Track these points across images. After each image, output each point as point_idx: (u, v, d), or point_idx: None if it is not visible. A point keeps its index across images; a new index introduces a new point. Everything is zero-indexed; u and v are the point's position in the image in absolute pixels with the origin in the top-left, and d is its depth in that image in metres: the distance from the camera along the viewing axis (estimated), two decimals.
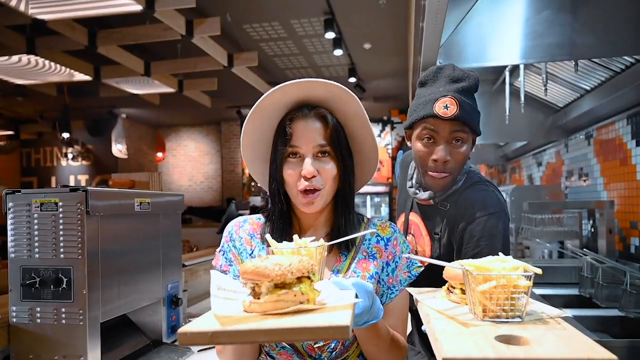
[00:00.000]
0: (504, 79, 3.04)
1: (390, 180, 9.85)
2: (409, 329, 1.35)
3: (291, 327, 0.64)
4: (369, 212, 9.68)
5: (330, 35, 5.38)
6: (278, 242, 0.89)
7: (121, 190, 1.57)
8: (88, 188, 1.38)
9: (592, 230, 3.14)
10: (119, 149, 7.83)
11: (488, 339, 0.66)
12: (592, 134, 3.23)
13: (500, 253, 1.13)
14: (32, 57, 4.90)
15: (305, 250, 0.80)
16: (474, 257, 1.13)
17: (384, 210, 9.78)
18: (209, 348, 1.68)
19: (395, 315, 1.07)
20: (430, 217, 1.36)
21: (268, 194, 1.09)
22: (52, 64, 5.16)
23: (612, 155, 2.93)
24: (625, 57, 2.35)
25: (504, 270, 0.73)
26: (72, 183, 10.69)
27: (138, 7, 3.76)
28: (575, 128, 3.40)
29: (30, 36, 4.78)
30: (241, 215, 3.92)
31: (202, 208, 10.54)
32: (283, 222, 1.06)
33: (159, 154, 9.13)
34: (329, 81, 0.99)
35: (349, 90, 1.00)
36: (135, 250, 1.63)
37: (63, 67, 5.29)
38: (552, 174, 4.11)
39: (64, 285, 1.36)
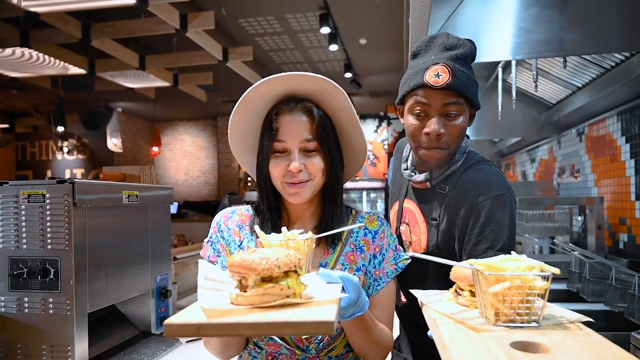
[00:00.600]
0: (497, 75, 3.05)
1: (386, 176, 9.86)
2: (396, 332, 1.28)
3: (276, 321, 0.64)
4: (365, 208, 9.69)
5: (326, 30, 5.37)
6: (267, 234, 0.90)
7: (109, 183, 1.58)
8: (75, 180, 1.38)
9: (583, 226, 3.16)
10: (114, 143, 7.82)
11: (502, 345, 0.60)
12: (583, 130, 3.25)
13: (505, 241, 1.08)
14: (26, 50, 4.88)
15: (293, 243, 0.81)
16: (477, 244, 1.09)
17: (380, 205, 9.79)
18: (197, 339, 1.69)
19: (382, 307, 1.08)
20: (427, 201, 1.25)
21: (256, 185, 1.10)
22: (46, 57, 5.14)
23: (603, 151, 2.95)
24: (616, 55, 2.37)
25: (518, 269, 0.67)
26: (67, 176, 10.65)
27: (131, 0, 3.75)
28: (567, 124, 3.42)
29: (23, 29, 4.76)
30: None
31: (199, 202, 10.55)
32: (271, 214, 1.07)
33: (155, 149, 9.11)
34: (316, 75, 0.99)
35: (336, 84, 1.00)
36: (123, 242, 1.64)
37: (57, 60, 5.26)
38: (545, 170, 4.14)
39: (52, 276, 1.37)
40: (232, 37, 5.90)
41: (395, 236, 1.15)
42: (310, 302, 0.72)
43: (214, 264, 1.08)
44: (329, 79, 1.00)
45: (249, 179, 11.16)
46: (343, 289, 0.81)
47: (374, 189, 9.82)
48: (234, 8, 5.21)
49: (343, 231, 1.06)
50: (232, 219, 1.13)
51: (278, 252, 0.73)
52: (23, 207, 1.40)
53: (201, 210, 9.72)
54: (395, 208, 1.38)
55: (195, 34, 4.83)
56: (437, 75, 1.10)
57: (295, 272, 0.73)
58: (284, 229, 0.86)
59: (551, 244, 3.23)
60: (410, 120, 1.18)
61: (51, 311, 1.38)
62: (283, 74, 1.00)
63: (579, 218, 3.25)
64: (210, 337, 1.00)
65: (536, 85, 2.72)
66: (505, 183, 1.17)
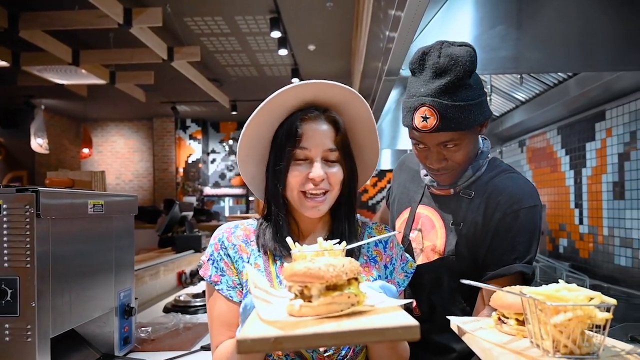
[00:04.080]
0: None
1: None
2: None
3: (359, 329, 0.61)
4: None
5: (276, 34, 5.32)
6: (279, 247, 0.84)
7: (74, 191, 1.43)
8: (39, 188, 1.23)
9: None
10: (39, 144, 7.16)
11: None
12: (525, 142, 3.48)
13: (533, 254, 1.08)
14: None
15: (328, 254, 0.77)
16: (506, 254, 1.09)
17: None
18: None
19: None
20: (450, 207, 1.23)
21: (265, 197, 1.04)
22: None
23: (544, 162, 3.18)
24: (559, 73, 2.57)
25: (577, 299, 0.65)
26: None
27: None
28: (510, 136, 3.65)
29: None
30: (185, 217, 3.71)
31: None
32: (282, 227, 1.01)
33: (85, 150, 8.48)
34: (343, 85, 0.97)
35: (360, 95, 0.99)
36: (87, 256, 1.49)
37: None
38: None
39: (9, 298, 1.21)
40: (176, 36, 5.66)
41: (401, 245, 1.14)
42: (375, 309, 0.69)
43: (217, 284, 1.01)
44: (354, 90, 0.99)
45: (187, 183, 10.76)
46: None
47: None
48: (180, 5, 5.00)
49: (371, 242, 1.04)
50: (236, 234, 1.06)
51: (339, 259, 0.69)
52: None
53: (135, 216, 9.18)
54: (404, 216, 1.36)
55: (139, 31, 4.56)
56: (424, 118, 1.07)
57: (356, 279, 0.70)
58: (319, 239, 0.82)
59: None
60: (414, 148, 1.19)
61: (8, 338, 1.21)
62: (312, 81, 0.96)
63: None
64: (288, 350, 0.92)
65: (490, 99, 2.87)
66: (537, 194, 1.16)
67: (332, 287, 0.67)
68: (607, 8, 1.85)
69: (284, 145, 0.98)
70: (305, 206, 0.98)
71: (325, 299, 0.66)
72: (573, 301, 0.65)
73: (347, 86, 0.98)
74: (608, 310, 0.64)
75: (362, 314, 0.67)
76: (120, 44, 5.58)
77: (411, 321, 0.62)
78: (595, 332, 0.66)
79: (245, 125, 0.99)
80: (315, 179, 0.95)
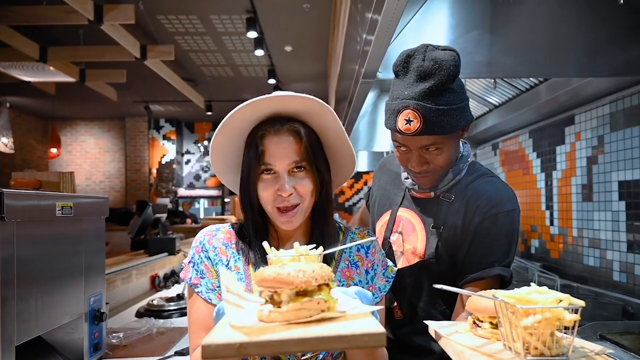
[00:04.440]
0: None
1: None
2: None
3: (325, 335, 0.60)
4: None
5: (253, 34, 5.28)
6: (257, 251, 0.83)
7: (42, 193, 1.37)
8: (3, 190, 1.18)
9: None
10: (3, 143, 6.89)
11: None
12: (498, 145, 3.56)
13: (511, 257, 1.10)
14: None
15: (304, 259, 0.76)
16: (484, 257, 1.10)
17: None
18: None
19: None
20: (430, 210, 1.24)
21: (241, 206, 1.02)
22: None
23: (516, 165, 3.26)
24: (531, 78, 2.64)
25: (546, 302, 0.67)
26: None
27: None
28: (484, 139, 3.72)
29: None
30: (159, 219, 3.61)
31: None
32: (260, 236, 1.00)
33: (54, 150, 8.20)
34: (302, 95, 0.95)
35: (324, 103, 0.96)
36: (55, 261, 1.43)
37: None
38: None
39: None
40: (149, 34, 5.55)
41: (383, 251, 1.14)
42: (345, 316, 0.68)
43: (197, 287, 0.99)
44: (316, 98, 0.96)
45: (161, 184, 10.55)
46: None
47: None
48: (153, 3, 4.90)
49: (349, 247, 1.03)
50: (217, 237, 1.05)
51: (310, 264, 0.69)
52: None
53: (107, 218, 8.94)
54: (385, 218, 1.36)
55: (111, 28, 4.45)
56: (408, 121, 1.08)
57: (327, 285, 0.69)
58: (296, 244, 0.81)
59: None
60: (396, 152, 1.19)
61: None
62: (269, 95, 0.94)
63: None
64: (253, 355, 0.90)
65: None
66: (515, 198, 1.18)
67: (302, 293, 0.67)
68: (576, 16, 1.91)
69: (250, 162, 0.97)
70: (280, 221, 0.98)
71: (295, 305, 0.65)
72: (542, 303, 0.66)
73: (307, 95, 0.95)
74: (576, 312, 0.66)
75: (331, 320, 0.66)
76: (91, 41, 5.43)
77: (378, 328, 0.62)
78: (565, 333, 0.68)
79: (211, 144, 0.99)
80: (282, 194, 0.94)
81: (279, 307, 0.66)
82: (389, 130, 1.18)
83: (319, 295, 0.67)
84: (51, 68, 5.64)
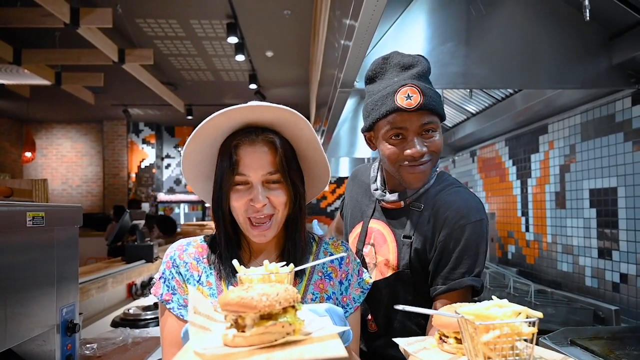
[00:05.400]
0: None
1: None
2: None
3: None
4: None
5: (233, 39, 5.26)
6: (227, 267, 0.82)
7: (11, 202, 1.34)
8: None
9: None
10: None
11: None
12: (476, 152, 3.62)
13: (481, 267, 1.11)
14: None
15: (275, 277, 0.76)
16: (455, 269, 1.10)
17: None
18: None
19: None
20: (400, 220, 1.23)
21: (213, 217, 1.01)
22: None
23: (493, 172, 3.32)
24: (501, 90, 2.70)
25: (505, 316, 0.68)
26: None
27: None
28: (462, 146, 3.78)
29: None
30: (136, 225, 3.55)
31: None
32: (232, 248, 1.00)
33: (28, 154, 8.00)
34: (277, 105, 0.94)
35: (298, 114, 0.96)
36: (25, 272, 1.39)
37: None
38: None
39: None
40: (128, 38, 5.47)
41: (358, 260, 1.14)
42: (311, 338, 0.68)
43: (168, 303, 0.97)
44: (290, 109, 0.95)
45: (140, 189, 10.39)
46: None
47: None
48: (132, 6, 4.84)
49: (321, 263, 1.02)
50: (188, 251, 1.03)
51: (275, 287, 0.68)
52: None
53: (83, 223, 8.75)
54: (357, 230, 1.36)
55: (88, 31, 4.37)
56: (407, 97, 1.08)
57: (293, 307, 0.69)
58: (265, 261, 0.80)
59: None
60: (387, 145, 1.16)
61: None
62: (243, 105, 0.93)
63: None
64: None
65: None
66: (483, 208, 1.18)
67: (266, 317, 0.66)
68: (548, 30, 1.97)
69: (224, 171, 0.96)
70: (252, 234, 0.97)
71: (259, 329, 0.65)
72: (501, 318, 0.68)
73: (282, 106, 0.94)
74: (533, 325, 0.67)
75: (296, 344, 0.66)
76: (67, 44, 5.33)
77: (341, 352, 0.62)
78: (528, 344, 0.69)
79: (183, 152, 0.98)
80: (255, 205, 0.93)
81: (243, 331, 0.65)
82: (379, 123, 1.16)
83: (283, 318, 0.66)
84: (25, 71, 5.52)
